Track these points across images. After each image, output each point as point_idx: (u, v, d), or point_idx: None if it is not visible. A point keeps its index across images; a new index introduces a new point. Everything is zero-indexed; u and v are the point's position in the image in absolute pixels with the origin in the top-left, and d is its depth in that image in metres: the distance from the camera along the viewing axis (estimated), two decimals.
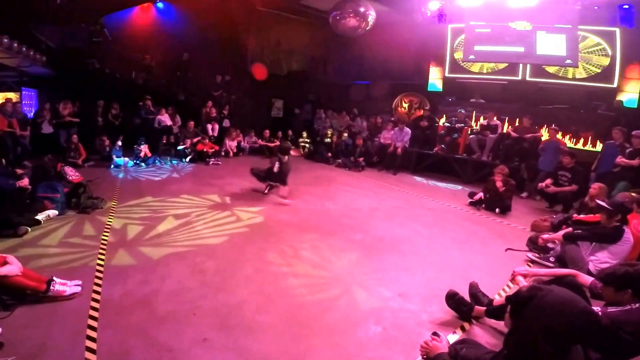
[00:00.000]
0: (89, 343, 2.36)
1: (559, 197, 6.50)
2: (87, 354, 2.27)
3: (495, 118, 9.33)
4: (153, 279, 3.26)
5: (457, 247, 4.59)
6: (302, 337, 2.59)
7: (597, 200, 3.93)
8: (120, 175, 7.57)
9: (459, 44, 11.08)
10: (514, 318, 1.81)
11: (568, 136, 8.86)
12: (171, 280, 3.25)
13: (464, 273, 3.74)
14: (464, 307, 2.90)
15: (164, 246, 4.02)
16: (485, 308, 2.85)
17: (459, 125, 9.71)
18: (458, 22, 10.70)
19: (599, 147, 8.07)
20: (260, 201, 6.07)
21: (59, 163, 5.82)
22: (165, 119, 10.19)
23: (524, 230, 5.37)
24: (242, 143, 11.20)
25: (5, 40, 7.73)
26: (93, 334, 2.45)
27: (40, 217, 4.39)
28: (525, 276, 3.01)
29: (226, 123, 11.47)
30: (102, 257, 3.64)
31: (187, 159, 9.38)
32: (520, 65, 10.13)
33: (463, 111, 10.07)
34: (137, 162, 8.57)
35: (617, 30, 8.77)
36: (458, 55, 11.11)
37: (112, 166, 8.20)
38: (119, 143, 8.63)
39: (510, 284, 3.44)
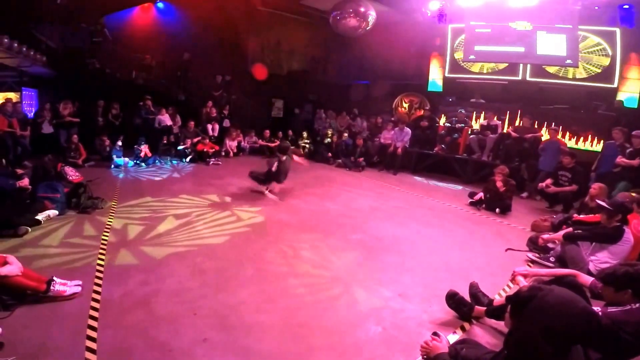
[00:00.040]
0: (89, 343, 2.36)
1: (559, 197, 6.49)
2: (87, 354, 2.27)
3: (495, 118, 9.33)
4: (153, 279, 3.26)
5: (458, 247, 4.59)
6: (302, 337, 2.59)
7: (597, 201, 3.93)
8: (121, 175, 7.58)
9: (459, 44, 11.08)
10: (514, 318, 1.81)
11: (568, 136, 8.86)
12: (171, 281, 3.25)
13: (464, 273, 3.74)
14: (464, 307, 2.90)
15: (164, 246, 4.02)
16: (485, 308, 2.85)
17: (459, 125, 9.72)
18: (458, 22, 10.70)
19: (599, 147, 8.09)
20: (260, 201, 6.07)
21: (59, 163, 5.83)
22: (165, 119, 10.18)
23: (524, 230, 5.37)
24: (243, 143, 11.21)
25: (6, 40, 7.73)
26: (93, 334, 2.45)
27: (40, 217, 4.39)
28: (525, 276, 3.01)
29: (226, 123, 11.47)
30: (102, 257, 3.64)
31: (188, 159, 9.38)
32: (521, 65, 10.13)
33: (463, 111, 10.07)
34: (137, 162, 8.58)
35: (618, 30, 8.77)
36: (458, 55, 11.11)
37: (112, 166, 8.20)
38: (119, 143, 8.63)
39: (511, 284, 3.44)
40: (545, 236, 4.34)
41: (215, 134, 10.85)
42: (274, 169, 6.30)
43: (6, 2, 8.34)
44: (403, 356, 2.46)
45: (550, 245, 4.26)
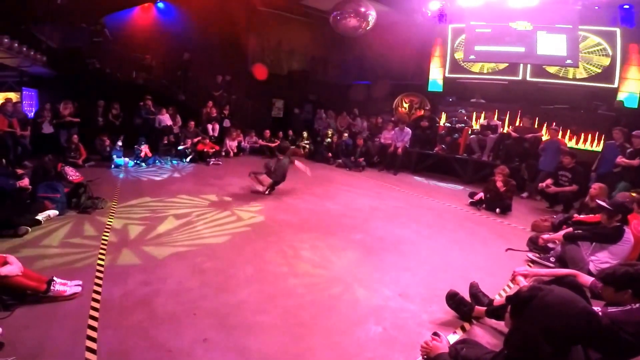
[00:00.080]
0: (89, 343, 2.36)
1: (559, 197, 6.49)
2: (88, 354, 2.27)
3: (495, 118, 9.34)
4: (153, 279, 3.26)
5: (458, 247, 4.59)
6: (302, 337, 2.59)
7: (597, 201, 3.94)
8: (121, 176, 7.58)
9: (459, 44, 11.08)
10: (515, 318, 1.81)
11: (568, 136, 8.86)
12: (171, 281, 3.25)
13: (464, 273, 3.73)
14: (464, 307, 2.90)
15: (165, 246, 4.02)
16: (485, 308, 2.85)
17: (460, 125, 9.72)
18: (458, 22, 10.70)
19: (600, 147, 8.09)
20: (260, 201, 6.07)
21: (60, 163, 5.82)
22: (165, 119, 10.19)
23: (525, 231, 5.37)
24: (243, 143, 11.22)
25: (6, 40, 7.74)
26: (93, 334, 2.44)
27: (40, 217, 4.38)
28: (525, 276, 3.01)
29: (227, 123, 11.47)
30: (103, 257, 3.64)
31: (188, 159, 9.38)
32: (521, 65, 10.13)
33: (463, 111, 10.08)
34: (138, 162, 8.58)
35: (618, 30, 8.77)
36: (459, 56, 11.11)
37: (113, 166, 8.20)
38: (120, 143, 8.64)
39: (511, 284, 3.43)
40: (546, 236, 4.34)
41: (216, 134, 10.86)
42: (272, 167, 6.36)
43: (6, 2, 8.34)
44: (403, 356, 2.45)
45: (550, 245, 4.26)
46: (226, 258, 3.82)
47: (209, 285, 3.22)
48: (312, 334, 2.63)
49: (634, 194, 4.34)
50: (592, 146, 8.55)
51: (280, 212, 5.60)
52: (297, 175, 6.72)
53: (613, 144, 6.73)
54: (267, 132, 11.71)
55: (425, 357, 2.31)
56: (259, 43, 13.80)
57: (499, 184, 6.33)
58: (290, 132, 12.33)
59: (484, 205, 6.44)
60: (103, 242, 4.02)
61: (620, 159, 6.25)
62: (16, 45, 8.08)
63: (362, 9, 9.50)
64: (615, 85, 8.92)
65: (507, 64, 10.37)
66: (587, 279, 2.70)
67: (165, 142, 9.97)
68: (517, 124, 9.24)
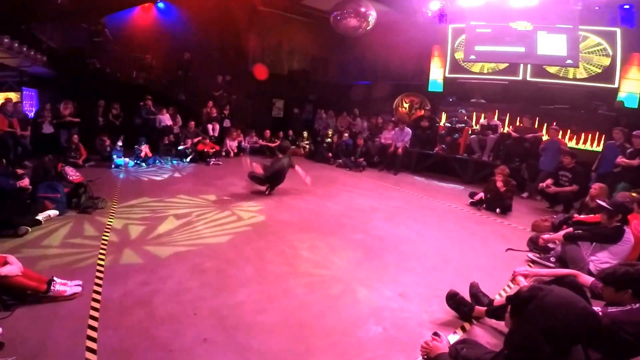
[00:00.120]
0: (89, 343, 2.36)
1: (559, 197, 6.49)
2: (88, 354, 2.26)
3: (495, 118, 9.33)
4: (153, 279, 3.26)
5: (458, 247, 4.59)
6: (302, 337, 2.59)
7: (597, 201, 3.94)
8: (121, 176, 7.58)
9: (459, 44, 11.08)
10: (515, 318, 1.82)
11: (568, 136, 8.85)
12: (172, 281, 3.25)
13: (464, 273, 3.73)
14: (464, 307, 2.90)
15: (165, 246, 4.02)
16: (485, 308, 2.84)
17: (460, 125, 9.71)
18: (459, 22, 10.69)
19: (600, 147, 8.08)
20: (260, 201, 6.07)
21: (60, 163, 5.83)
22: (165, 119, 10.19)
23: (525, 231, 5.37)
24: (243, 143, 11.22)
25: (6, 40, 7.75)
26: (93, 334, 2.44)
27: (40, 217, 4.38)
28: (525, 276, 3.01)
29: (227, 123, 11.47)
30: (103, 257, 3.64)
31: (188, 159, 9.39)
32: (521, 65, 10.12)
33: (464, 111, 10.07)
34: (138, 162, 8.58)
35: (618, 31, 8.76)
36: (459, 56, 11.11)
37: (113, 166, 8.20)
38: (120, 143, 8.64)
39: (511, 284, 3.43)
40: (546, 236, 4.34)
41: (216, 134, 10.87)
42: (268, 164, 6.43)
43: (7, 2, 8.35)
44: (403, 356, 2.45)
45: (550, 245, 4.26)
46: (226, 258, 3.82)
47: (209, 285, 3.22)
48: (312, 334, 2.63)
49: (634, 194, 4.34)
50: (592, 146, 8.54)
51: (280, 212, 5.60)
52: (298, 175, 6.72)
53: (613, 144, 6.73)
54: (268, 132, 11.72)
55: (425, 357, 2.32)
56: (260, 43, 13.80)
57: (499, 184, 6.33)
58: (291, 132, 12.33)
59: (484, 205, 6.44)
60: (103, 242, 4.02)
61: (621, 159, 6.24)
62: (16, 45, 8.09)
63: (363, 9, 9.51)
64: (616, 86, 8.90)
65: (507, 64, 10.36)
66: (587, 279, 2.70)
67: (166, 142, 9.98)
68: (518, 124, 9.23)
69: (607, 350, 1.98)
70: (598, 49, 9.15)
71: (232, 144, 10.68)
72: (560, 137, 8.32)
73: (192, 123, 10.28)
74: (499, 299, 3.09)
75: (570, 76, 9.59)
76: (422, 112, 11.95)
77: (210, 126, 10.83)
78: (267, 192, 6.46)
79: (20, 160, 7.64)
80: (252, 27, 13.34)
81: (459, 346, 2.24)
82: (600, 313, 2.04)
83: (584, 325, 1.68)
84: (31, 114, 9.29)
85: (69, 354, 2.27)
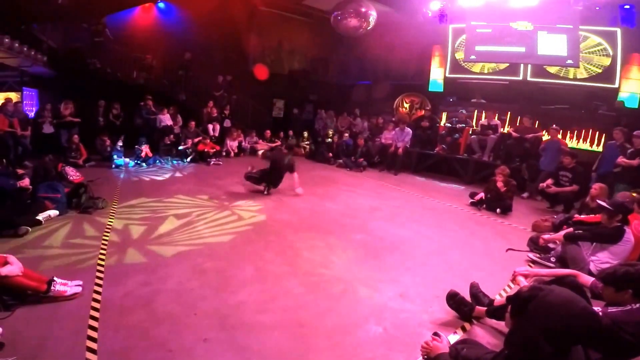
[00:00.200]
0: (89, 343, 2.36)
1: (559, 197, 6.49)
2: (88, 354, 2.26)
3: (495, 118, 9.33)
4: (154, 279, 3.26)
5: (458, 248, 4.59)
6: (302, 337, 2.58)
7: (598, 201, 3.93)
8: (121, 176, 7.58)
9: (460, 44, 11.07)
10: (515, 318, 1.81)
11: (569, 136, 8.85)
12: (172, 281, 3.25)
13: (464, 273, 3.73)
14: (464, 307, 2.90)
15: (165, 246, 4.02)
16: (486, 308, 2.84)
17: (460, 125, 9.71)
18: (459, 22, 10.69)
19: (600, 147, 8.08)
20: (260, 201, 6.07)
21: (60, 163, 5.84)
22: (166, 119, 10.19)
23: (525, 231, 5.37)
24: (243, 143, 11.22)
25: (7, 40, 7.75)
26: (94, 334, 2.45)
27: (41, 217, 4.38)
28: (526, 276, 3.01)
29: (227, 123, 11.48)
30: (103, 257, 3.64)
31: (188, 159, 9.39)
32: (522, 65, 10.11)
33: (464, 111, 10.07)
34: (138, 162, 8.58)
35: (618, 31, 8.75)
36: (459, 56, 11.10)
37: (113, 166, 8.19)
38: (120, 143, 8.64)
39: (511, 284, 3.43)
40: (546, 236, 4.33)
41: (216, 134, 10.87)
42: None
43: (7, 2, 8.35)
44: (403, 356, 2.45)
45: (551, 245, 4.26)
46: (227, 258, 3.82)
47: (209, 285, 3.22)
48: (313, 334, 2.63)
49: (634, 194, 4.34)
50: (592, 146, 8.55)
51: (280, 212, 5.61)
52: (298, 175, 6.72)
53: (614, 144, 6.73)
54: (268, 132, 11.74)
55: (425, 357, 2.31)
56: (260, 43, 13.80)
57: (500, 184, 6.33)
58: (291, 132, 12.34)
59: (484, 206, 6.44)
60: (104, 242, 4.02)
61: (621, 159, 6.24)
62: (17, 45, 8.09)
63: (363, 9, 9.50)
64: (616, 86, 8.90)
65: (507, 64, 10.35)
66: (587, 279, 2.70)
67: (166, 142, 9.97)
68: (518, 124, 9.23)
69: (607, 351, 1.98)
70: (598, 49, 9.14)
71: (232, 144, 10.69)
72: (560, 137, 8.31)
73: (193, 123, 10.29)
74: (499, 299, 3.09)
75: (571, 76, 9.58)
76: (423, 112, 11.96)
77: (210, 126, 10.84)
78: (265, 192, 6.46)
79: (21, 160, 7.64)
80: (253, 27, 13.34)
81: (459, 346, 2.24)
82: (600, 313, 2.04)
83: (584, 325, 1.68)
84: (31, 114, 9.29)
85: (69, 354, 2.27)
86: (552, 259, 4.06)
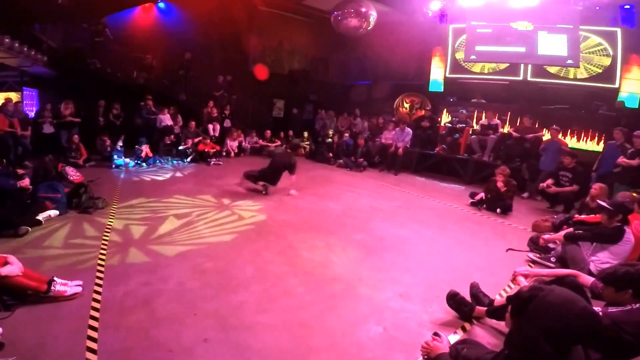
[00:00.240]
0: (89, 343, 2.36)
1: (560, 197, 6.49)
2: (88, 354, 2.26)
3: (496, 118, 9.33)
4: (154, 279, 3.26)
5: (458, 248, 4.59)
6: (302, 337, 2.58)
7: (598, 201, 3.93)
8: (121, 176, 7.58)
9: (460, 44, 11.07)
10: (515, 318, 1.81)
11: (569, 136, 8.84)
12: (172, 281, 3.25)
13: (464, 273, 3.73)
14: (464, 307, 2.90)
15: (165, 246, 4.02)
16: (486, 308, 2.84)
17: (460, 125, 9.71)
18: (459, 22, 10.69)
19: (600, 147, 8.07)
20: (260, 201, 6.07)
21: (60, 163, 5.83)
22: (166, 119, 10.18)
23: (525, 231, 5.36)
24: (244, 143, 11.22)
25: (7, 40, 7.74)
26: (94, 334, 2.44)
27: (41, 217, 4.38)
28: (526, 276, 3.01)
29: (227, 123, 11.47)
30: (103, 257, 3.64)
31: (188, 159, 9.38)
32: (522, 65, 10.12)
33: (464, 111, 10.07)
34: (138, 162, 8.58)
35: (619, 31, 8.76)
36: (459, 56, 11.10)
37: (113, 166, 8.19)
38: (120, 143, 8.63)
39: (511, 284, 3.43)
40: (546, 236, 4.34)
41: (216, 134, 10.87)
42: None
43: (7, 2, 8.35)
44: (403, 356, 2.45)
45: (551, 245, 4.26)
46: (227, 258, 3.82)
47: (209, 285, 3.22)
48: (313, 334, 2.63)
49: (634, 194, 4.33)
50: (592, 146, 8.54)
51: (280, 211, 5.60)
52: (298, 175, 6.72)
53: (614, 144, 6.72)
54: (268, 132, 11.73)
55: (425, 357, 2.31)
56: (260, 43, 13.80)
57: (500, 184, 6.33)
58: (291, 133, 12.34)
59: (484, 206, 6.44)
60: (104, 242, 4.02)
61: (621, 159, 6.24)
62: (17, 45, 8.08)
63: (363, 9, 9.50)
64: (616, 86, 8.90)
65: (508, 64, 10.36)
66: (587, 279, 2.70)
67: (166, 142, 9.96)
68: (518, 124, 9.23)
69: (607, 351, 1.97)
70: (599, 49, 9.14)
71: (232, 144, 10.69)
72: (560, 137, 8.31)
73: (193, 123, 10.28)
74: (499, 299, 3.09)
75: (571, 76, 9.58)
76: (423, 112, 11.95)
77: (210, 126, 10.83)
78: (263, 192, 6.45)
79: (21, 160, 7.64)
80: (253, 27, 13.34)
81: (460, 346, 2.24)
82: (600, 313, 2.04)
83: (584, 326, 1.67)
84: (32, 114, 9.29)
85: (69, 354, 2.27)
86: (552, 259, 4.06)
